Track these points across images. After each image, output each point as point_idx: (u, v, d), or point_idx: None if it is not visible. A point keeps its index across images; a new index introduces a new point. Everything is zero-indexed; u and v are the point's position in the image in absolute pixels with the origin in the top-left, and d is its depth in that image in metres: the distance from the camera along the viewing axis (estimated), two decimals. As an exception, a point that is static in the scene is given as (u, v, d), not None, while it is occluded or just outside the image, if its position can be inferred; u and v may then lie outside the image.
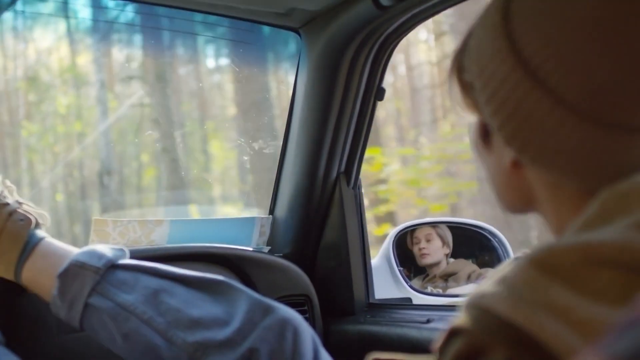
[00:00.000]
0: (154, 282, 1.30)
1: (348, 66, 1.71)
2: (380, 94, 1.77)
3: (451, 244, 2.09)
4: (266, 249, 1.89)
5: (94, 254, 1.32)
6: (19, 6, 1.64)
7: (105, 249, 1.34)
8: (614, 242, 0.75)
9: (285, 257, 1.85)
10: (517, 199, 0.91)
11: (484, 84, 0.83)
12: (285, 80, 1.92)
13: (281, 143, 1.89)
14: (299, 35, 1.76)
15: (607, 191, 0.84)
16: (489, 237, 2.01)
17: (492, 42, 0.81)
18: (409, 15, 1.57)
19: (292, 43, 1.85)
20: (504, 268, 0.80)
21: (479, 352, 0.74)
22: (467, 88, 0.87)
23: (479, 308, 0.77)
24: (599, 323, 0.69)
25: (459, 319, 0.79)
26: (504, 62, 0.80)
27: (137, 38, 1.97)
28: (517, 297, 0.73)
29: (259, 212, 2.04)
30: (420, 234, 2.10)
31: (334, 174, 1.83)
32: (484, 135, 0.89)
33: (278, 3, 1.57)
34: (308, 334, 1.27)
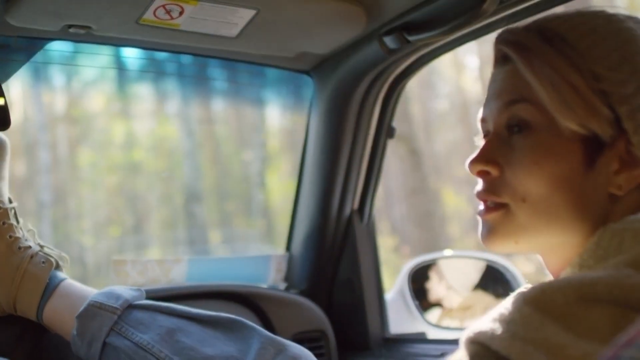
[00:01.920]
0: (170, 322, 1.34)
1: (358, 106, 1.75)
2: (391, 132, 1.82)
3: (453, 281, 2.11)
4: (282, 285, 1.92)
5: (111, 295, 1.36)
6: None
7: (123, 290, 1.39)
8: (605, 280, 0.77)
9: (301, 293, 1.88)
10: (581, 232, 0.90)
11: (637, 89, 0.87)
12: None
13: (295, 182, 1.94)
14: (311, 77, 1.80)
15: (602, 230, 0.87)
16: (502, 270, 2.02)
17: None
18: (415, 57, 1.62)
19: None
20: (502, 304, 0.83)
21: None
22: (595, 96, 0.88)
23: (476, 343, 0.80)
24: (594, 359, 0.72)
25: (459, 354, 0.82)
26: None
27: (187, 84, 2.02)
28: (512, 333, 0.76)
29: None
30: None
31: (348, 211, 1.87)
32: (591, 153, 0.89)
33: (289, 48, 1.61)
34: (319, 371, 1.30)
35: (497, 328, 0.78)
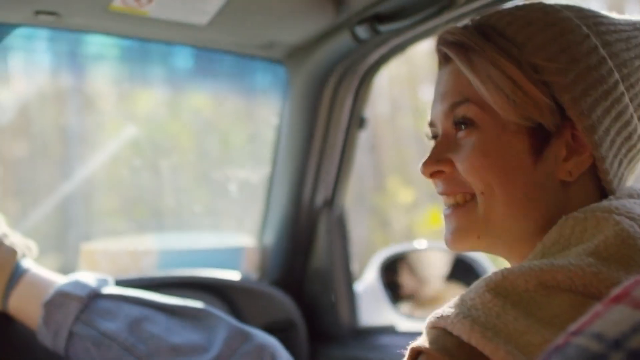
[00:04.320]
0: (136, 311, 1.33)
1: (330, 96, 1.75)
2: (362, 123, 1.82)
3: (424, 273, 2.12)
4: (254, 276, 1.91)
5: (78, 284, 1.35)
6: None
7: (89, 279, 1.38)
8: (567, 268, 0.78)
9: (273, 283, 1.88)
10: (538, 221, 0.92)
11: (577, 77, 0.90)
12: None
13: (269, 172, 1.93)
14: (284, 66, 1.80)
15: (564, 218, 0.87)
16: (472, 262, 2.03)
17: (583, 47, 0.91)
18: (386, 47, 1.61)
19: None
20: (464, 291, 0.83)
21: None
22: (536, 87, 0.90)
23: (438, 329, 0.80)
24: (548, 346, 0.72)
25: (421, 339, 0.82)
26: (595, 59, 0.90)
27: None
28: (473, 319, 0.77)
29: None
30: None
31: (319, 201, 1.86)
32: (537, 142, 0.91)
33: (260, 36, 1.61)
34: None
35: (458, 313, 0.78)
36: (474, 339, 0.75)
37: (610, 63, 0.91)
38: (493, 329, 0.75)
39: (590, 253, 0.79)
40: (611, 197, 0.91)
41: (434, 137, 1.01)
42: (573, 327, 0.56)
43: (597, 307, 0.56)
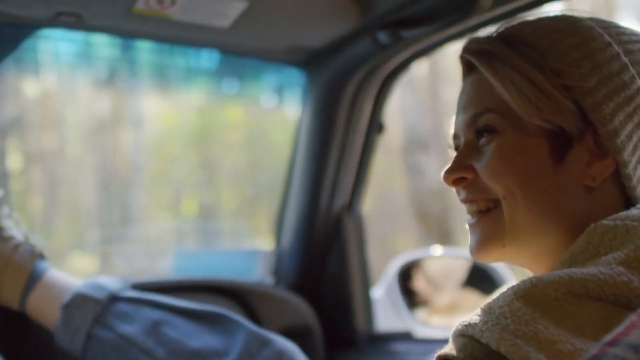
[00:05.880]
0: (155, 314, 1.33)
1: (350, 101, 1.74)
2: (381, 128, 1.81)
3: (441, 280, 2.11)
4: (270, 280, 1.91)
5: (96, 286, 1.35)
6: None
7: (108, 281, 1.38)
8: (596, 277, 0.77)
9: (289, 288, 1.87)
10: (563, 227, 0.91)
11: (599, 82, 0.90)
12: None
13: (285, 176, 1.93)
14: (304, 70, 1.79)
15: (593, 226, 0.86)
16: (490, 269, 2.01)
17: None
18: (407, 53, 1.61)
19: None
20: (491, 299, 0.83)
21: None
22: (557, 91, 0.90)
23: (466, 337, 0.79)
24: (579, 355, 0.72)
25: (448, 347, 0.81)
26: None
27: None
28: (503, 327, 0.76)
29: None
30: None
31: (338, 206, 1.86)
32: (559, 147, 0.91)
33: (281, 41, 1.60)
34: (304, 366, 1.30)
35: (487, 321, 0.77)
36: (504, 347, 0.74)
37: (632, 70, 0.92)
38: (523, 337, 0.74)
39: (620, 262, 0.79)
40: (639, 205, 0.90)
41: (457, 148, 1.01)
42: (608, 337, 0.55)
43: (632, 317, 0.55)
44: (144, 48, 1.75)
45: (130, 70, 1.93)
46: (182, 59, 1.83)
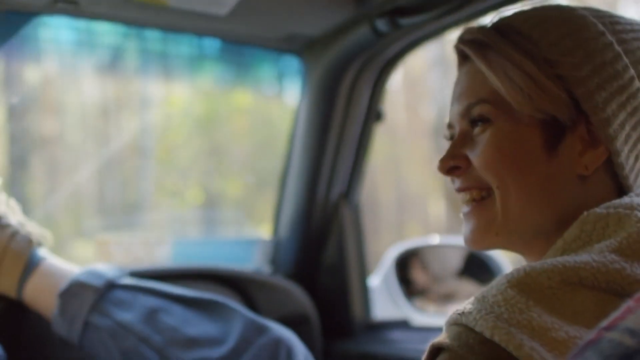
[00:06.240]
0: (152, 301, 1.33)
1: (348, 89, 1.74)
2: (379, 116, 1.81)
3: (438, 269, 2.11)
4: (268, 269, 1.91)
5: (93, 274, 1.35)
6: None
7: (105, 269, 1.38)
8: (589, 265, 0.78)
9: (286, 276, 1.87)
10: (555, 216, 0.92)
11: (591, 71, 0.90)
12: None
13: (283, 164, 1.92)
14: (302, 58, 1.79)
15: (586, 214, 0.87)
16: (486, 258, 2.02)
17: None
18: (406, 41, 1.60)
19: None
20: (485, 287, 0.83)
21: None
22: (550, 80, 0.90)
23: (459, 325, 0.80)
24: (573, 343, 0.72)
25: (442, 335, 0.82)
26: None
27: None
28: (497, 316, 0.76)
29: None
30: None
31: (335, 195, 1.86)
32: (552, 136, 0.91)
33: (278, 28, 1.60)
34: (301, 354, 1.30)
35: (481, 310, 0.78)
36: (498, 336, 0.74)
37: (625, 59, 0.92)
38: (517, 326, 0.74)
39: (613, 250, 0.79)
40: (632, 193, 0.91)
41: (452, 138, 1.02)
42: (605, 322, 0.55)
43: (629, 303, 0.56)
44: (147, 34, 1.75)
45: (132, 56, 1.93)
46: (185, 44, 1.83)
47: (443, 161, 0.98)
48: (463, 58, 1.01)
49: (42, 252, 1.39)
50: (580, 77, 0.90)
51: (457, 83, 1.01)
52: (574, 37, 0.92)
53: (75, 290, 1.33)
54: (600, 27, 0.93)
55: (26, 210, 1.45)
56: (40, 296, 1.36)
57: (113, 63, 1.93)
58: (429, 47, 4.75)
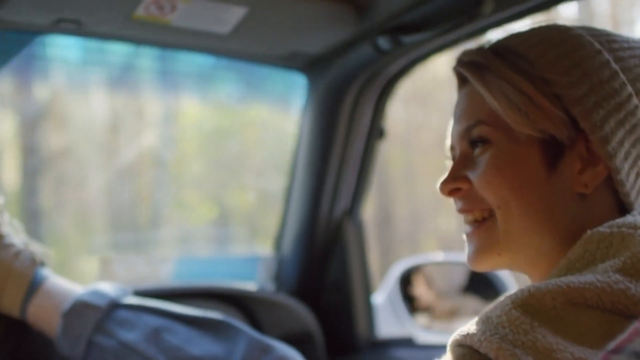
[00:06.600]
0: (156, 321, 1.32)
1: (351, 106, 1.74)
2: (382, 134, 1.81)
3: (442, 286, 2.11)
4: (271, 286, 1.91)
5: (97, 293, 1.35)
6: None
7: (109, 288, 1.37)
8: (594, 286, 0.77)
9: (290, 294, 1.87)
10: (557, 235, 0.92)
11: (588, 89, 0.90)
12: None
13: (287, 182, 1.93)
14: (305, 76, 1.79)
15: (589, 233, 0.86)
16: (491, 275, 2.01)
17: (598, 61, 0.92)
18: (408, 58, 1.61)
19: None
20: (489, 308, 0.83)
21: None
22: (547, 99, 0.91)
23: (464, 347, 0.79)
24: None
25: (446, 357, 0.81)
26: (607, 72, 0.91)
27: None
28: (501, 337, 0.76)
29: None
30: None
31: (339, 212, 1.86)
32: (551, 156, 0.92)
33: (281, 47, 1.60)
34: (305, 373, 1.29)
35: (485, 331, 0.77)
36: (503, 357, 0.74)
37: (623, 77, 0.92)
38: (522, 347, 0.74)
39: (617, 270, 0.79)
40: (635, 212, 0.91)
41: (453, 159, 1.02)
42: (612, 345, 0.55)
43: (636, 325, 0.55)
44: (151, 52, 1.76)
45: (143, 73, 1.94)
46: (193, 61, 1.85)
47: (444, 183, 0.98)
48: (462, 80, 1.02)
49: (46, 271, 1.39)
50: (578, 95, 0.90)
51: (457, 105, 1.01)
52: (571, 57, 0.92)
53: (78, 309, 1.32)
54: (597, 45, 0.94)
55: (36, 224, 1.46)
56: (44, 316, 1.35)
57: (124, 79, 1.94)
58: (443, 61, 4.77)
